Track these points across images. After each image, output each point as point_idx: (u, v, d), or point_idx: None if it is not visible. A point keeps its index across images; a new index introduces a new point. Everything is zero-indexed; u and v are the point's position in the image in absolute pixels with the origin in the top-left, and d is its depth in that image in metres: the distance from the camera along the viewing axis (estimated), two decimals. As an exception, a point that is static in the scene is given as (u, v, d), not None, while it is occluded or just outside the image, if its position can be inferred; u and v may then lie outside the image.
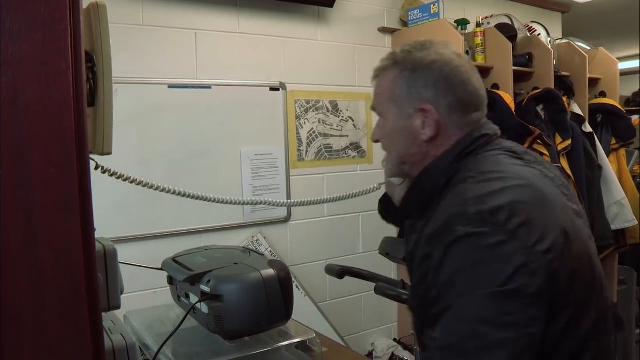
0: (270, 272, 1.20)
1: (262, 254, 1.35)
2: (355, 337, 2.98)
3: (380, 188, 1.33)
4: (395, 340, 3.09)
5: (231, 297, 1.14)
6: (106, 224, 2.24)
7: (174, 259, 1.35)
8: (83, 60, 0.68)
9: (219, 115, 2.48)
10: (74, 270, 0.67)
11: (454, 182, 0.93)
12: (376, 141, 1.07)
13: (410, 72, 0.98)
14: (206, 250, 1.42)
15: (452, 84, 0.97)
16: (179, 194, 1.11)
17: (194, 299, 1.24)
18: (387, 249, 1.95)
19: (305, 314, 2.66)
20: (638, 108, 5.60)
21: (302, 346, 1.26)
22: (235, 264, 1.25)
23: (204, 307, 1.18)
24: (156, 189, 1.01)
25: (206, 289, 1.16)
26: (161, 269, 1.34)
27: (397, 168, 1.05)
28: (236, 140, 2.54)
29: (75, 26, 0.66)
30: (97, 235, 1.00)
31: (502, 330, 0.76)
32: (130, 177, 0.97)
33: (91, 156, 0.89)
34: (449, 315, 0.80)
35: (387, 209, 1.17)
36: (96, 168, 0.95)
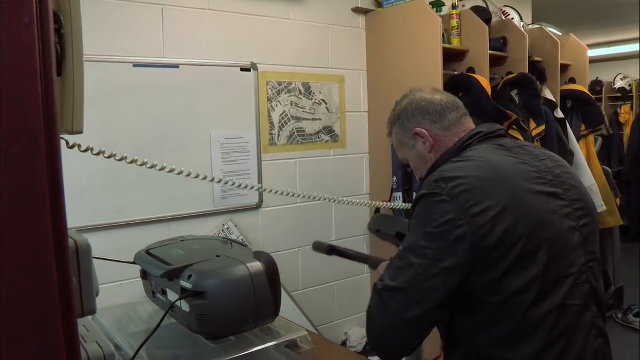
0: (257, 265, 1.09)
1: (246, 245, 1.24)
2: (328, 326, 2.91)
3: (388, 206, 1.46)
4: (368, 328, 3.03)
5: (215, 293, 1.03)
6: (69, 213, 2.08)
7: (147, 252, 1.22)
8: (51, 13, 0.55)
9: (187, 96, 2.34)
10: (44, 272, 0.55)
11: None
12: (421, 178, 1.33)
13: (398, 121, 1.32)
14: (182, 241, 1.30)
15: (423, 108, 1.28)
16: (180, 172, 0.99)
17: (172, 295, 1.12)
18: (377, 226, 1.85)
19: (279, 305, 2.56)
20: (598, 96, 5.73)
21: (291, 344, 1.16)
22: (218, 256, 1.14)
23: (184, 305, 1.07)
24: (150, 166, 0.88)
25: (187, 285, 1.04)
26: (134, 263, 1.22)
27: None
28: (205, 123, 2.40)
29: (40, -29, 0.53)
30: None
31: (419, 257, 1.03)
32: (114, 154, 0.83)
33: (62, 135, 0.77)
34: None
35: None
36: (71, 147, 0.82)
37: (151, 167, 0.89)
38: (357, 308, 3.02)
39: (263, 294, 1.07)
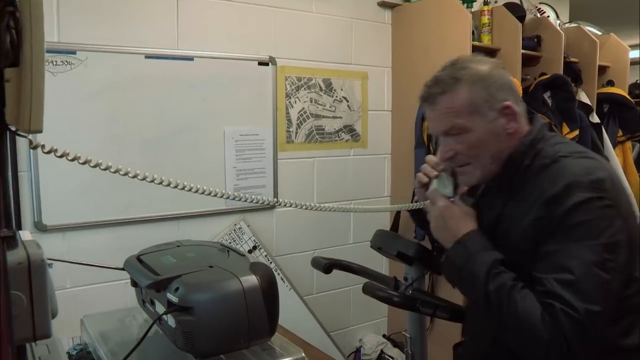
0: (252, 279, 1.00)
1: (244, 254, 1.14)
2: (342, 332, 2.80)
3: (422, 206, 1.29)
4: (384, 336, 2.92)
5: (203, 309, 0.94)
6: (73, 208, 2.04)
7: (138, 258, 1.14)
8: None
9: (202, 90, 2.25)
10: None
11: (539, 162, 1.11)
12: (451, 157, 1.17)
13: (480, 82, 1.11)
14: (177, 247, 1.21)
15: (509, 83, 1.15)
16: (147, 179, 0.90)
17: (159, 307, 1.04)
18: (379, 243, 1.77)
19: (290, 309, 2.47)
20: (637, 100, 5.44)
21: (288, 365, 1.06)
22: (211, 267, 1.05)
23: (170, 320, 0.98)
24: (112, 170, 0.79)
25: (174, 298, 0.95)
26: (123, 269, 1.13)
27: (488, 170, 1.16)
28: (220, 119, 2.31)
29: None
30: (39, 232, 0.79)
31: (608, 272, 0.98)
32: (78, 157, 0.73)
33: (22, 133, 0.68)
34: (564, 256, 1.00)
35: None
36: (34, 147, 0.73)
37: (115, 172, 0.79)
38: (373, 314, 2.91)
39: (257, 311, 0.98)
